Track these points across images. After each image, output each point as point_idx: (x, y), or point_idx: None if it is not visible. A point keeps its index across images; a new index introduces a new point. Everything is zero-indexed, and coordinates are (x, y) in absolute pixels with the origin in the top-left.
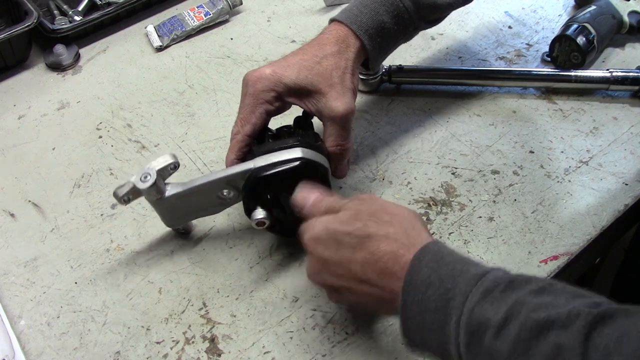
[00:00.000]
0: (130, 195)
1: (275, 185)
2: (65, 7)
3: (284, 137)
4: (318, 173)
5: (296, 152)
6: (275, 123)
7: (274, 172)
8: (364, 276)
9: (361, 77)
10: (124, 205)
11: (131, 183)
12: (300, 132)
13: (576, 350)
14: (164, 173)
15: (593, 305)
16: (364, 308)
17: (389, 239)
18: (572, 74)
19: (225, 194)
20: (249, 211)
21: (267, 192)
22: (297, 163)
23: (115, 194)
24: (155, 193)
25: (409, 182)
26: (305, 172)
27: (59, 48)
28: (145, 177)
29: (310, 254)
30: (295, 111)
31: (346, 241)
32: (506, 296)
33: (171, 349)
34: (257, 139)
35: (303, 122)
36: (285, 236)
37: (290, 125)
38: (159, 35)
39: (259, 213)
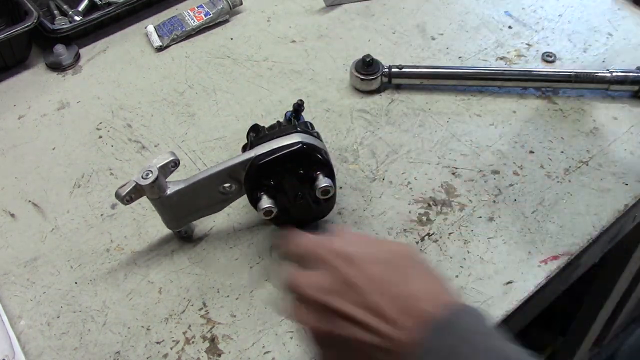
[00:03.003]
0: (132, 194)
1: (277, 170)
2: (65, 7)
3: (280, 127)
4: (318, 156)
5: (295, 137)
6: (269, 121)
7: (275, 157)
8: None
9: (361, 77)
10: (126, 205)
11: (133, 181)
12: (294, 122)
13: None
14: (165, 170)
15: None
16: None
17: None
18: (572, 73)
19: (227, 187)
20: (254, 202)
21: (270, 179)
22: (297, 146)
23: (117, 194)
24: (158, 190)
25: (409, 182)
26: (306, 155)
27: (59, 48)
28: (147, 174)
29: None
30: (287, 107)
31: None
32: None
33: (171, 349)
34: (254, 132)
35: (294, 114)
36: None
37: (280, 121)
38: (159, 35)
39: (265, 202)
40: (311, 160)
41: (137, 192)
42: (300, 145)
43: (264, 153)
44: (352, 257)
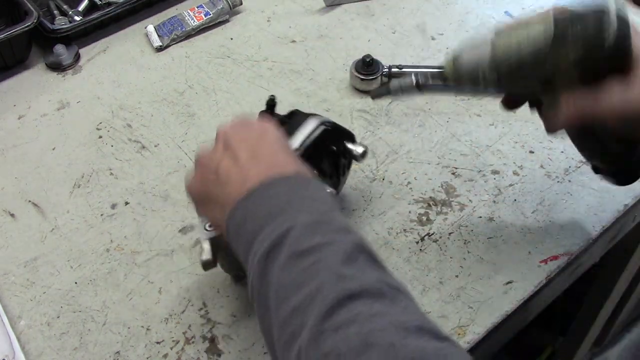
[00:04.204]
0: (214, 251)
1: (315, 156)
2: (65, 7)
3: (293, 118)
4: (340, 128)
5: (313, 121)
6: None
7: (311, 144)
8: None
9: (361, 77)
10: (217, 265)
11: (205, 240)
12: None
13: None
14: None
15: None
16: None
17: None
18: None
19: None
20: None
21: (312, 168)
22: (323, 127)
23: (205, 263)
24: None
25: (409, 182)
26: (332, 131)
27: (59, 48)
28: (210, 225)
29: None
30: (288, 107)
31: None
32: (326, 232)
33: (171, 349)
34: None
35: (269, 112)
36: None
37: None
38: (159, 35)
39: (327, 187)
40: (336, 134)
41: (216, 244)
42: (326, 125)
43: (298, 147)
44: (229, 142)
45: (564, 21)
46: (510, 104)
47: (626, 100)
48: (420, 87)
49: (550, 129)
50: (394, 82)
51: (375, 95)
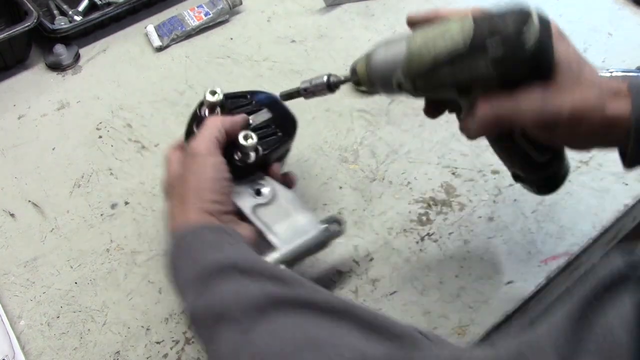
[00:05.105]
0: None
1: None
2: (65, 7)
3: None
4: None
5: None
6: None
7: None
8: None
9: None
10: None
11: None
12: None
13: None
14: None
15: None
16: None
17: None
18: None
19: None
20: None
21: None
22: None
23: None
24: None
25: (409, 182)
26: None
27: (59, 48)
28: None
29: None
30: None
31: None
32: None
33: (171, 349)
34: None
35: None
36: None
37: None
38: (159, 35)
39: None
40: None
41: None
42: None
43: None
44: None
45: (483, 20)
46: (431, 112)
47: (545, 107)
48: (332, 87)
49: (467, 134)
50: (305, 82)
51: (285, 95)
